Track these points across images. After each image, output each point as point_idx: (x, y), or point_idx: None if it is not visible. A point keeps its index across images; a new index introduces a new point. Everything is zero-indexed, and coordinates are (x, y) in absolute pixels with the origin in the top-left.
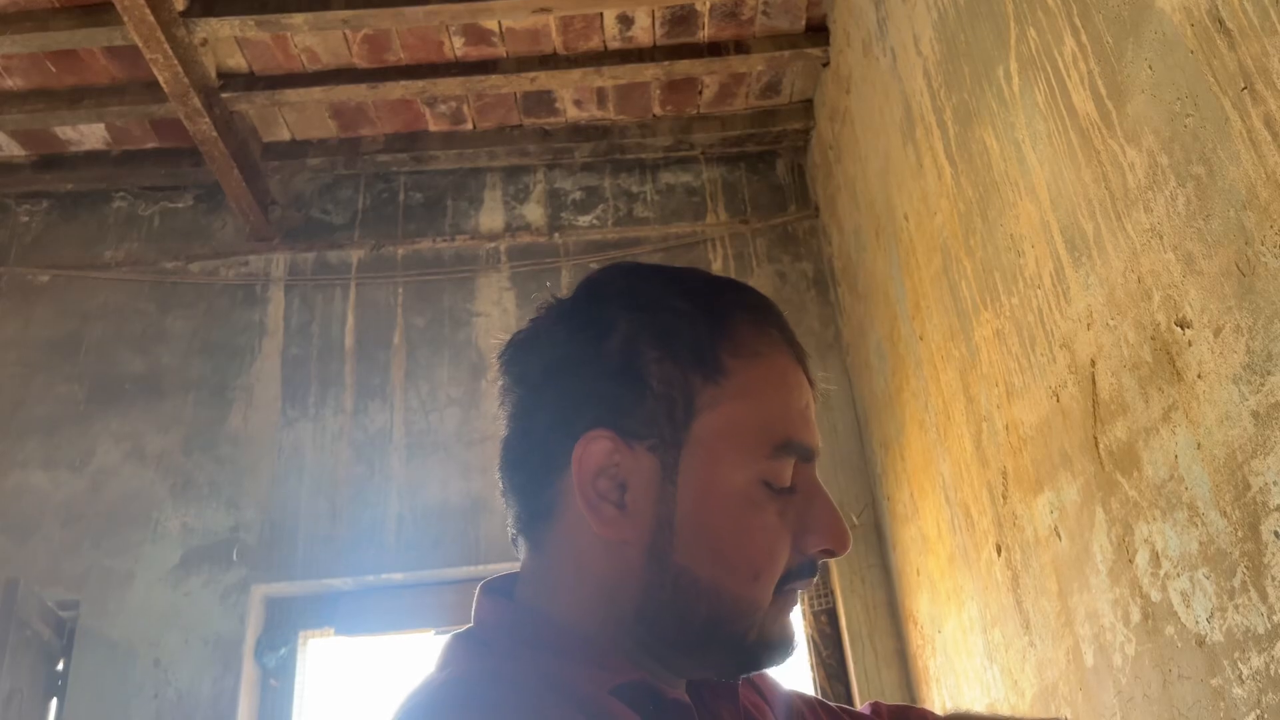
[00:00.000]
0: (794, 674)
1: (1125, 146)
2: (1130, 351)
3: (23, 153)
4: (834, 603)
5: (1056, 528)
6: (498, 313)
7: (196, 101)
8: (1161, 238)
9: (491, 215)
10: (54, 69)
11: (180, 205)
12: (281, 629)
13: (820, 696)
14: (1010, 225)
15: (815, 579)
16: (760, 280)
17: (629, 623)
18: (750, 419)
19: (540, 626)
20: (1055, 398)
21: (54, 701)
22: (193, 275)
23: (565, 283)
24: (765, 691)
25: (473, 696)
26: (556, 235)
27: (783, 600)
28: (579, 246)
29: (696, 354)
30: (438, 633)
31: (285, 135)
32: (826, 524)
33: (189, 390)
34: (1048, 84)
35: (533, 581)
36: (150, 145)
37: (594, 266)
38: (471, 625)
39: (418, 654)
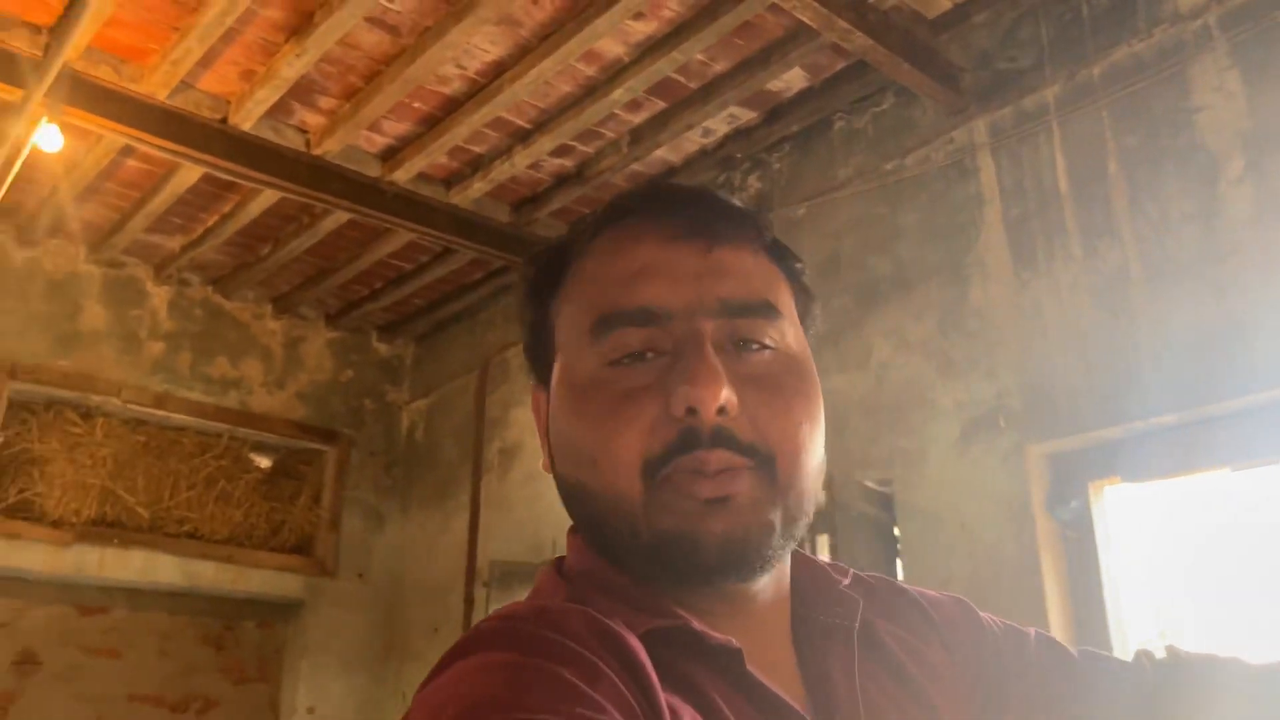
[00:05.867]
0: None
1: None
2: None
3: (752, 114)
4: None
5: None
6: (1221, 100)
7: (842, 23)
8: None
9: None
10: (739, 42)
11: (885, 106)
12: (1068, 482)
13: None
14: None
15: (710, 452)
16: None
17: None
18: (579, 310)
19: (596, 563)
20: None
21: (897, 562)
22: (910, 169)
23: None
24: (947, 629)
25: (514, 634)
26: None
27: (668, 487)
28: None
29: (549, 280)
30: (1234, 469)
31: (945, 4)
32: (678, 380)
33: (930, 276)
34: None
35: None
36: (840, 65)
37: None
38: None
39: (1214, 495)
